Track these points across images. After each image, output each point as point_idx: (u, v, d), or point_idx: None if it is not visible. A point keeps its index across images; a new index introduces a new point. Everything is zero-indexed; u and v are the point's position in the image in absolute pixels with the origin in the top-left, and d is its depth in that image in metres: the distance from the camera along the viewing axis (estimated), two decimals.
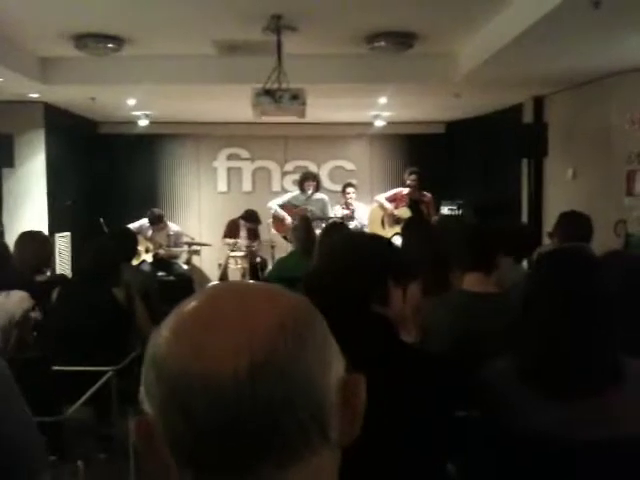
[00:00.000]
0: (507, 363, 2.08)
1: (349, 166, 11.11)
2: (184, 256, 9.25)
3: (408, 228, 5.24)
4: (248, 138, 10.87)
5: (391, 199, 9.05)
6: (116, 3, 5.35)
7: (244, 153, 11.09)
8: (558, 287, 2.06)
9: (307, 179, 9.14)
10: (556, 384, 1.96)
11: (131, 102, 8.54)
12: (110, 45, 6.28)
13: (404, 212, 8.82)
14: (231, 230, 9.44)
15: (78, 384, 3.60)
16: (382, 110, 9.47)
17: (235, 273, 8.92)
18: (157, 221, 9.10)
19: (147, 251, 8.92)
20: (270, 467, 0.72)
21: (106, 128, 10.61)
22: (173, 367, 0.73)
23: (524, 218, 8.32)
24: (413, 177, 8.98)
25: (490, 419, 2.08)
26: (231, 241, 9.17)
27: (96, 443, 3.93)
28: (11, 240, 5.01)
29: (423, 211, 8.88)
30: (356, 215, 9.23)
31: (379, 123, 10.20)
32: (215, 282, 8.06)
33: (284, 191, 10.33)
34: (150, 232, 9.09)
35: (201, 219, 11.02)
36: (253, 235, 9.26)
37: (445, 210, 9.50)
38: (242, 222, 9.33)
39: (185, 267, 9.08)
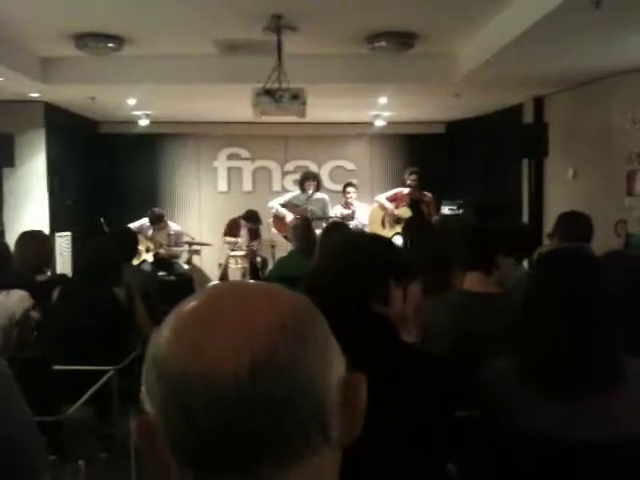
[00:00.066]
0: (507, 363, 2.08)
1: (349, 166, 11.11)
2: (184, 256, 9.25)
3: (409, 228, 5.25)
4: (248, 138, 10.87)
5: (391, 199, 9.05)
6: (116, 3, 5.36)
7: (244, 153, 11.09)
8: (558, 287, 2.06)
9: (307, 179, 9.14)
10: (556, 384, 1.96)
11: (131, 102, 8.54)
12: (110, 45, 6.29)
13: (404, 212, 8.82)
14: (232, 229, 9.45)
15: (79, 384, 3.60)
16: (382, 110, 9.47)
17: (235, 273, 8.93)
18: (157, 221, 9.10)
19: (148, 251, 8.93)
20: (271, 467, 0.72)
21: (106, 128, 10.61)
22: (174, 367, 0.73)
23: (524, 218, 8.32)
24: (413, 177, 8.98)
25: (490, 419, 2.08)
26: (232, 240, 9.18)
27: (97, 443, 3.93)
28: (12, 240, 5.01)
29: (423, 211, 8.88)
30: (356, 215, 9.23)
31: (379, 123, 10.20)
32: (215, 282, 8.06)
33: (284, 191, 10.33)
34: (150, 232, 9.10)
35: (201, 219, 11.02)
36: (254, 235, 9.27)
37: (445, 210, 9.50)
38: (243, 222, 9.33)
39: (185, 267, 9.08)
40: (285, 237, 8.63)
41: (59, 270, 8.26)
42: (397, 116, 9.94)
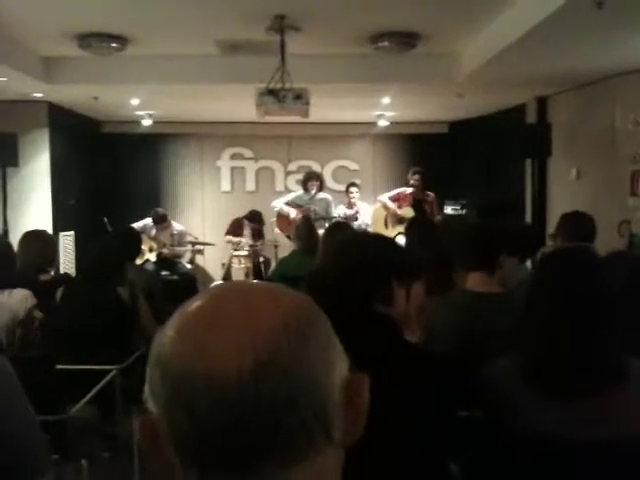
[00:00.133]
0: (509, 363, 2.08)
1: (352, 166, 11.11)
2: (188, 255, 9.26)
3: (411, 228, 5.24)
4: (252, 138, 10.87)
5: (394, 199, 9.05)
6: (120, 3, 5.36)
7: (248, 153, 11.09)
8: (561, 287, 2.06)
9: (310, 179, 9.14)
10: (558, 384, 1.96)
11: (135, 102, 8.55)
12: (114, 45, 6.29)
13: (407, 212, 8.82)
14: (235, 228, 9.46)
15: (82, 383, 3.60)
16: (385, 110, 9.47)
17: (238, 272, 8.93)
18: (161, 220, 9.11)
19: (151, 250, 8.93)
20: (274, 466, 0.73)
21: (110, 127, 10.61)
22: (177, 366, 0.73)
23: (528, 218, 8.31)
24: (416, 177, 8.98)
25: (492, 419, 2.08)
26: (235, 239, 9.19)
27: (100, 442, 3.94)
28: (15, 239, 5.02)
29: (426, 211, 8.88)
30: (359, 215, 9.23)
31: (382, 123, 10.19)
32: (219, 282, 8.07)
33: (287, 191, 10.33)
34: (154, 231, 9.11)
35: (205, 218, 11.02)
36: (257, 235, 9.27)
37: (448, 210, 9.49)
38: (246, 222, 9.34)
39: (189, 266, 9.09)
40: (288, 237, 8.63)
41: (62, 270, 8.28)
42: (400, 116, 9.94)
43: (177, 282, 7.98)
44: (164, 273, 8.19)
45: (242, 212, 9.56)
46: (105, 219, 8.83)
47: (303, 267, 4.93)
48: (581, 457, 1.90)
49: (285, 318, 0.75)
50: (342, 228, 5.18)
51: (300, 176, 9.89)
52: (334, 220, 8.08)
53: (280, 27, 5.78)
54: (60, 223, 8.60)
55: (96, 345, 3.93)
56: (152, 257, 8.82)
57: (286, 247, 8.30)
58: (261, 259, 8.96)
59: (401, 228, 8.13)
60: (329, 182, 10.43)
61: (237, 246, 9.02)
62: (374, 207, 9.41)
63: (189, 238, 9.36)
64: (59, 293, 4.32)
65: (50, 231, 7.00)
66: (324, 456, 0.76)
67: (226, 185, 11.13)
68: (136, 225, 8.34)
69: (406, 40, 6.26)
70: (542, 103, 8.55)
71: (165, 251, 8.87)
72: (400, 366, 1.78)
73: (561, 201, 7.94)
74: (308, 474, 0.74)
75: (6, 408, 1.91)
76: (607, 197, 7.11)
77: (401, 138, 11.08)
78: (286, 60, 5.84)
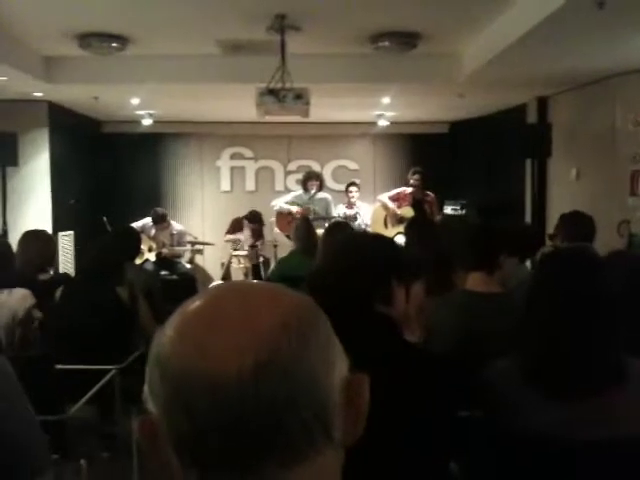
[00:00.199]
0: (509, 363, 2.08)
1: (352, 166, 11.11)
2: (187, 255, 9.26)
3: (411, 228, 5.24)
4: (251, 137, 10.88)
5: (394, 198, 9.05)
6: (120, 3, 5.36)
7: (247, 152, 11.10)
8: (561, 287, 2.06)
9: (310, 178, 9.14)
10: (557, 384, 1.96)
11: (135, 101, 8.55)
12: (114, 44, 6.29)
13: (407, 211, 8.82)
14: (235, 228, 9.47)
15: (81, 383, 3.60)
16: (386, 110, 9.47)
17: (238, 272, 8.93)
18: (160, 220, 9.11)
19: (150, 250, 8.93)
20: (274, 466, 0.72)
21: (110, 127, 10.61)
22: (177, 366, 0.73)
23: (527, 218, 8.31)
24: (416, 177, 8.97)
25: (492, 419, 2.08)
26: (233, 237, 9.19)
27: (99, 442, 3.93)
28: (15, 239, 5.02)
29: (426, 211, 8.87)
30: (359, 214, 9.23)
31: (383, 123, 10.19)
32: (218, 282, 8.08)
33: (287, 190, 10.33)
34: (153, 231, 9.11)
35: (204, 218, 11.02)
36: (257, 235, 9.27)
37: (448, 210, 9.49)
38: (246, 222, 9.34)
39: (188, 266, 9.09)
40: (287, 236, 8.63)
41: (62, 269, 8.27)
42: (400, 116, 9.94)
43: (176, 282, 7.98)
44: (163, 273, 8.19)
45: (242, 212, 9.56)
46: (104, 219, 8.82)
47: (302, 267, 4.94)
48: (581, 457, 1.90)
49: (285, 318, 0.75)
50: (342, 228, 5.18)
51: (300, 176, 9.89)
52: (334, 220, 8.08)
53: (280, 27, 5.78)
54: (59, 223, 8.60)
55: (95, 345, 3.92)
56: (151, 257, 8.82)
57: (286, 247, 8.29)
58: (260, 259, 8.95)
59: (401, 228, 8.12)
60: (329, 182, 10.44)
61: (237, 245, 9.01)
62: (374, 207, 9.41)
63: (189, 238, 9.35)
64: (58, 293, 4.32)
65: (49, 231, 6.99)
66: (324, 456, 0.75)
67: (226, 185, 11.14)
68: (135, 225, 8.33)
69: (407, 40, 6.26)
70: (542, 103, 8.55)
71: (164, 251, 8.87)
72: (400, 366, 1.77)
73: (561, 201, 7.94)
74: (308, 474, 0.74)
75: (6, 407, 1.91)
76: (607, 197, 7.11)
77: (401, 138, 11.09)
78: (286, 60, 5.84)
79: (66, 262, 8.77)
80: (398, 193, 9.09)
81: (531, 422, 1.95)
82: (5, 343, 3.71)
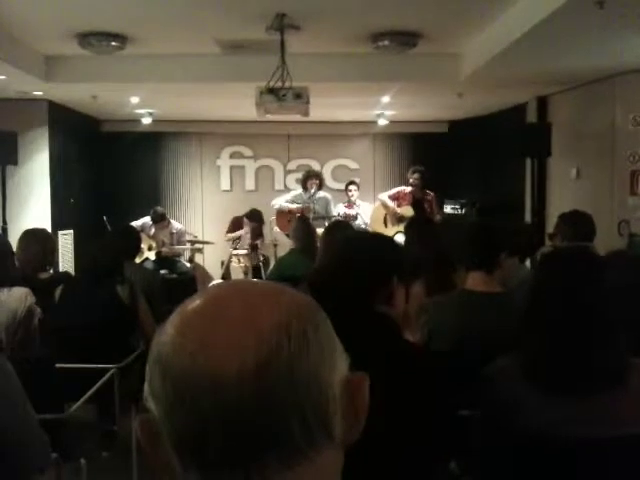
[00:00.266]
0: (509, 362, 2.08)
1: (352, 165, 11.11)
2: (187, 254, 9.26)
3: (411, 227, 5.24)
4: (251, 136, 10.88)
5: (394, 197, 9.05)
6: (120, 2, 5.36)
7: (247, 151, 11.10)
8: (561, 287, 2.06)
9: (310, 178, 9.14)
10: (558, 383, 1.96)
11: (134, 100, 8.55)
12: (114, 43, 6.29)
13: (407, 211, 8.82)
14: (235, 227, 9.47)
15: (81, 382, 3.60)
16: (385, 109, 9.47)
17: (237, 271, 8.93)
18: (160, 219, 9.10)
19: (150, 249, 8.93)
20: (274, 466, 0.72)
21: (110, 126, 10.61)
22: (178, 365, 0.73)
23: (527, 217, 8.30)
24: (416, 176, 8.97)
25: (493, 418, 2.08)
26: (232, 235, 9.19)
27: (99, 441, 3.93)
28: (14, 237, 5.01)
29: (426, 210, 8.88)
30: (359, 213, 9.23)
31: (382, 122, 10.19)
32: (218, 281, 8.07)
33: (287, 190, 10.33)
34: (153, 230, 9.10)
35: (204, 217, 11.03)
36: (257, 234, 9.27)
37: (448, 209, 9.50)
38: (246, 221, 9.34)
39: (188, 265, 9.08)
40: (287, 235, 8.63)
41: (61, 268, 8.27)
42: (400, 115, 9.94)
43: (176, 281, 7.97)
44: (163, 272, 8.18)
45: (241, 211, 9.56)
46: (104, 218, 8.82)
47: (301, 266, 4.95)
48: (581, 456, 1.90)
49: (286, 317, 0.75)
50: (342, 227, 5.18)
51: (300, 175, 9.90)
52: (334, 219, 8.09)
53: (280, 26, 5.78)
54: (59, 222, 8.60)
55: (95, 344, 3.92)
56: (151, 256, 8.82)
57: (285, 246, 8.28)
58: (260, 258, 8.95)
59: (400, 227, 8.13)
60: (329, 181, 10.44)
61: (237, 244, 9.01)
62: (373, 206, 9.41)
63: (188, 237, 9.36)
64: (58, 292, 4.32)
65: (49, 230, 6.99)
66: (324, 456, 0.75)
67: (226, 184, 11.14)
68: (135, 224, 8.33)
69: (407, 39, 6.26)
70: (542, 103, 8.55)
71: (164, 250, 8.86)
72: (400, 365, 1.77)
73: (561, 201, 7.94)
74: (308, 474, 0.74)
75: (6, 406, 1.91)
76: (607, 197, 7.11)
77: (401, 137, 11.09)
78: (286, 59, 5.83)
79: (66, 261, 8.77)
80: (398, 192, 9.10)
81: (532, 421, 1.95)
82: (5, 342, 3.71)
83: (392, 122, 10.26)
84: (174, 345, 0.74)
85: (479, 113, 9.73)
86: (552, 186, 8.47)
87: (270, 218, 9.33)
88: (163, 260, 8.67)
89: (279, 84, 5.78)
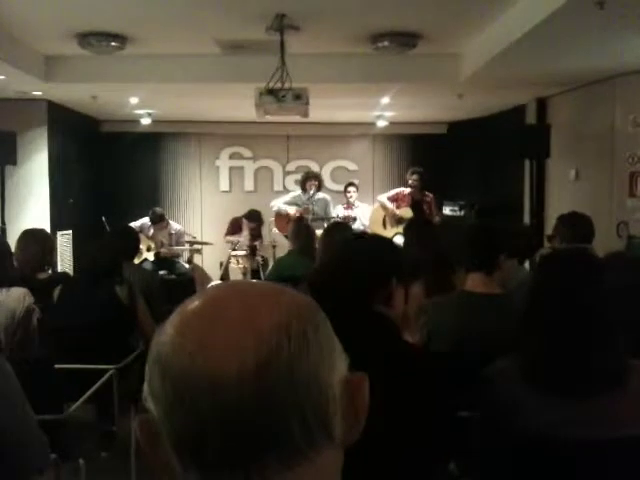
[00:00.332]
0: (509, 363, 2.08)
1: (351, 166, 11.11)
2: (186, 255, 9.26)
3: (410, 228, 5.24)
4: (251, 137, 10.88)
5: (393, 199, 9.05)
6: (120, 2, 5.35)
7: (246, 152, 11.10)
8: (560, 288, 2.06)
9: (309, 179, 9.14)
10: (557, 385, 1.96)
11: (134, 100, 8.55)
12: (113, 44, 6.28)
13: (406, 212, 8.83)
14: (234, 228, 9.46)
15: (80, 382, 3.59)
16: (385, 110, 9.47)
17: (236, 272, 8.92)
18: (158, 220, 9.10)
19: (149, 250, 8.93)
20: (274, 466, 0.72)
21: (109, 126, 10.61)
22: (177, 366, 0.73)
23: (526, 219, 8.30)
24: (415, 177, 8.98)
25: (492, 419, 2.08)
26: (232, 238, 9.19)
27: (98, 441, 3.93)
28: (13, 238, 5.01)
29: (425, 211, 8.88)
30: (358, 215, 9.23)
31: (381, 123, 10.20)
32: (217, 281, 8.07)
33: (286, 191, 10.33)
34: (152, 231, 9.10)
35: (203, 218, 11.03)
36: (256, 235, 9.27)
37: (447, 210, 9.50)
38: (245, 221, 9.34)
39: (187, 266, 9.08)
40: (286, 237, 8.63)
41: (60, 268, 8.27)
42: (399, 116, 9.95)
43: (175, 281, 7.98)
44: (162, 272, 8.18)
45: (240, 212, 9.56)
46: (103, 218, 8.82)
47: (299, 267, 4.95)
48: (581, 457, 1.90)
49: (285, 317, 0.75)
50: (341, 228, 5.19)
51: (299, 176, 9.90)
52: (333, 220, 8.09)
53: (280, 26, 5.78)
54: (58, 222, 8.60)
55: (94, 344, 3.92)
56: (150, 256, 8.82)
57: (284, 247, 8.29)
58: (259, 259, 8.95)
59: (399, 228, 8.13)
60: (328, 182, 10.43)
61: (235, 246, 9.01)
62: (373, 207, 9.41)
63: (187, 237, 9.35)
64: (57, 292, 4.32)
65: (48, 230, 7.00)
66: (324, 456, 0.75)
67: (225, 185, 11.14)
68: (134, 224, 8.34)
69: (406, 40, 6.26)
70: (542, 104, 8.55)
71: (163, 250, 8.86)
72: (399, 366, 1.77)
73: (560, 202, 7.94)
74: (308, 474, 0.74)
75: (5, 406, 1.91)
76: (606, 198, 7.11)
77: (400, 138, 11.09)
78: (286, 60, 5.84)
79: (64, 261, 8.76)
80: (397, 193, 9.10)
81: (531, 422, 1.95)
82: (4, 342, 3.71)
83: (391, 123, 10.27)
84: (173, 345, 0.74)
85: (478, 114, 9.74)
86: (551, 187, 8.47)
87: (269, 219, 9.33)
88: (162, 261, 8.67)
89: (279, 85, 5.78)
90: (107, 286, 4.27)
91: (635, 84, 6.74)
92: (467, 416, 2.13)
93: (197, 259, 9.71)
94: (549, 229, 6.34)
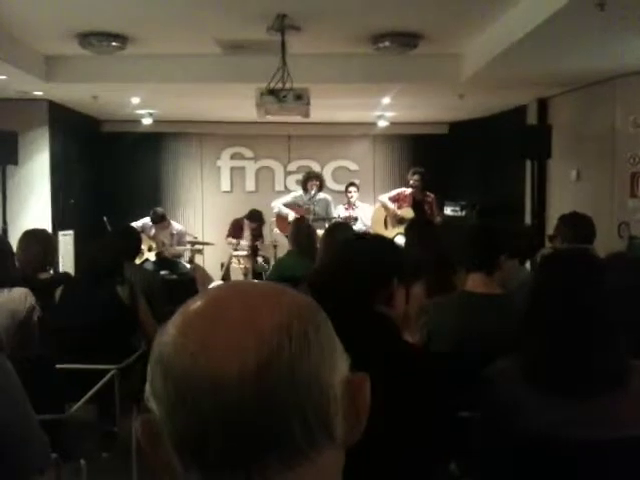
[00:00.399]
0: (510, 363, 2.08)
1: (352, 166, 11.11)
2: (187, 255, 9.26)
3: (411, 228, 5.24)
4: (252, 137, 10.88)
5: (394, 199, 9.05)
6: (121, 2, 5.36)
7: (248, 152, 11.10)
8: (561, 288, 2.06)
9: (310, 179, 9.13)
10: (558, 385, 1.96)
11: (135, 100, 8.55)
12: (114, 43, 6.29)
13: (407, 212, 8.82)
14: (235, 229, 9.46)
15: (81, 382, 3.60)
16: (386, 110, 9.47)
17: (237, 272, 8.92)
18: (159, 220, 9.10)
19: (150, 250, 8.93)
20: (275, 466, 0.72)
21: (110, 126, 10.61)
22: (179, 366, 0.73)
23: (527, 219, 8.30)
24: (416, 177, 8.97)
25: (492, 419, 2.08)
26: (234, 241, 9.19)
27: (99, 441, 3.93)
28: (15, 238, 5.01)
29: (426, 211, 8.88)
30: (359, 215, 9.23)
31: (382, 123, 10.20)
32: (218, 282, 8.07)
33: (287, 191, 10.33)
34: (153, 231, 9.10)
35: (204, 218, 11.03)
36: (257, 235, 9.27)
37: (448, 211, 9.49)
38: (246, 222, 9.34)
39: (188, 266, 9.08)
40: (287, 237, 8.63)
41: (62, 269, 8.27)
42: (400, 116, 9.94)
43: (176, 282, 7.97)
44: (163, 273, 8.18)
45: (242, 212, 9.56)
46: (104, 218, 8.82)
47: (300, 267, 4.95)
48: (582, 457, 1.90)
49: (287, 318, 0.75)
50: (342, 229, 5.18)
51: (300, 176, 9.90)
52: (334, 221, 8.09)
53: (281, 27, 5.78)
54: (60, 222, 8.59)
55: (95, 344, 3.92)
56: (151, 256, 8.81)
57: (285, 247, 8.28)
58: (260, 259, 8.95)
59: (401, 229, 8.13)
60: (329, 182, 10.43)
61: (237, 246, 9.01)
62: (374, 208, 9.41)
63: (188, 238, 9.35)
64: (58, 292, 4.32)
65: (49, 230, 7.00)
66: (325, 456, 0.75)
67: (226, 185, 11.14)
68: (135, 224, 8.33)
69: (407, 40, 6.26)
70: (543, 104, 8.55)
71: (164, 251, 8.86)
72: (400, 366, 1.77)
73: (561, 202, 7.94)
74: (309, 474, 0.74)
75: (6, 404, 1.91)
76: (607, 199, 7.11)
77: (401, 139, 11.10)
78: (287, 60, 5.84)
79: (66, 261, 8.76)
80: (398, 194, 9.09)
81: (532, 422, 1.95)
82: (5, 342, 3.71)
83: (392, 123, 10.27)
84: (175, 346, 0.74)
85: (479, 115, 9.73)
86: (552, 188, 8.47)
87: (270, 219, 9.33)
88: (163, 261, 8.67)
89: (280, 85, 5.78)
90: (108, 286, 4.27)
91: (635, 85, 6.73)
92: (468, 416, 2.13)
93: (198, 259, 9.71)
94: (550, 229, 6.34)
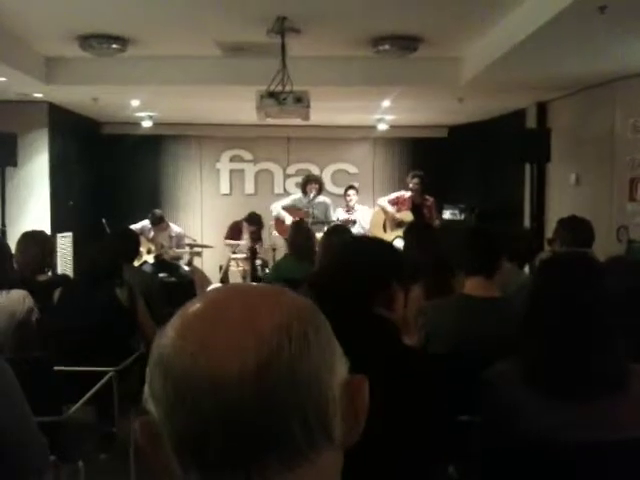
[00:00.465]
0: (509, 366, 2.09)
1: (352, 169, 11.12)
2: (186, 257, 9.25)
3: (410, 232, 5.24)
4: (251, 140, 10.88)
5: (393, 202, 9.05)
6: (121, 4, 5.36)
7: (247, 155, 11.10)
8: (560, 292, 2.06)
9: (310, 182, 9.14)
10: (558, 388, 1.96)
11: (135, 103, 8.55)
12: (114, 46, 6.29)
13: (406, 215, 8.83)
14: (234, 232, 9.45)
15: (79, 384, 3.59)
16: (386, 113, 9.47)
17: (236, 275, 8.92)
18: (158, 222, 9.10)
19: (149, 252, 8.92)
20: (275, 467, 0.72)
21: (110, 129, 10.62)
22: (179, 366, 0.73)
23: (526, 223, 8.30)
24: (416, 181, 8.98)
25: (491, 422, 2.08)
26: (233, 242, 9.18)
27: (97, 443, 3.93)
28: (14, 239, 5.01)
29: (425, 215, 8.88)
30: (358, 218, 9.23)
31: (382, 126, 10.20)
32: (217, 284, 8.07)
33: (286, 194, 10.33)
34: (152, 233, 9.09)
35: (203, 221, 11.03)
36: (256, 238, 9.27)
37: (447, 214, 9.50)
38: (245, 224, 9.34)
39: (187, 268, 9.07)
40: (286, 240, 8.62)
41: (60, 271, 8.26)
42: (400, 120, 9.95)
43: (175, 284, 7.96)
44: (162, 275, 8.17)
45: (241, 215, 9.55)
46: (103, 220, 8.82)
47: (298, 270, 4.96)
48: (581, 460, 1.90)
49: (286, 319, 0.75)
50: (341, 231, 5.19)
51: (299, 179, 9.90)
52: (333, 224, 8.08)
53: (281, 29, 5.78)
54: (58, 224, 8.60)
55: (94, 346, 3.92)
56: (150, 259, 8.80)
57: (284, 250, 8.28)
58: (259, 262, 8.94)
59: (400, 232, 8.12)
60: (328, 185, 10.43)
61: (235, 249, 9.01)
62: (373, 211, 9.41)
63: (187, 240, 9.34)
64: (57, 294, 4.31)
65: (48, 232, 6.99)
66: (324, 457, 0.75)
67: (225, 187, 11.14)
68: (134, 227, 8.33)
69: (407, 44, 6.27)
70: (542, 108, 8.56)
71: (163, 253, 8.85)
72: (398, 369, 1.77)
73: (560, 206, 7.94)
74: (309, 475, 0.74)
75: (4, 406, 1.91)
76: (606, 203, 7.11)
77: (401, 142, 11.10)
78: (287, 62, 5.84)
79: (65, 263, 8.76)
80: (397, 197, 9.10)
81: (531, 425, 1.95)
82: (3, 344, 3.71)
83: (392, 127, 10.27)
84: (175, 347, 0.74)
85: (479, 118, 9.74)
86: (551, 192, 8.47)
87: (269, 222, 9.33)
88: (162, 263, 8.65)
89: (279, 88, 5.79)
90: (107, 288, 4.27)
91: (635, 88, 6.74)
92: (467, 419, 2.13)
93: (197, 262, 9.70)
94: (549, 233, 6.35)
